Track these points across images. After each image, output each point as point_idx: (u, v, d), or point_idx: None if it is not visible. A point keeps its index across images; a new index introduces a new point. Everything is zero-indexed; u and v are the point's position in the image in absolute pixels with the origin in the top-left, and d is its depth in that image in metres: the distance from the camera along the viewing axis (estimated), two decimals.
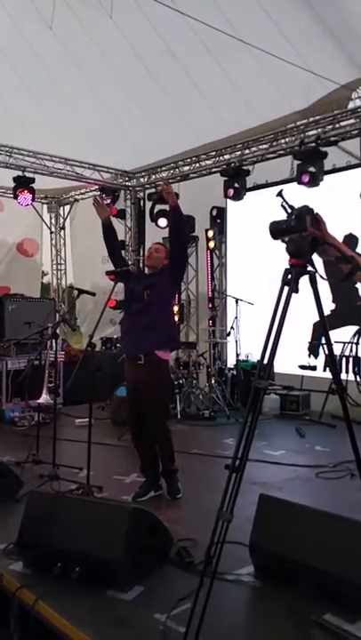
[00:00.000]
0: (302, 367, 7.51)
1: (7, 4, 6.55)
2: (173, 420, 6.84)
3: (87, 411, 4.08)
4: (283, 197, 2.43)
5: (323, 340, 2.36)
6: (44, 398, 4.96)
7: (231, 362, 8.48)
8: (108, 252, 4.43)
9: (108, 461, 5.14)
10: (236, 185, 7.76)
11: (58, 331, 5.05)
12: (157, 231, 9.04)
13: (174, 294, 4.73)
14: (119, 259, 4.46)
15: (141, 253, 9.98)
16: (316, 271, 2.41)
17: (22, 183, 8.31)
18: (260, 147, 7.73)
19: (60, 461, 4.55)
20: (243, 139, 7.83)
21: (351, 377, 3.33)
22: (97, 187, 9.93)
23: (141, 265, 9.74)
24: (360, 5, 5.82)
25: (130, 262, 9.74)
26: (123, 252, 9.92)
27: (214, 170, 8.35)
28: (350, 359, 4.56)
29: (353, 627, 2.41)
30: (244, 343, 7.75)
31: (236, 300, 7.75)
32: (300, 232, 2.35)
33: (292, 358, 7.33)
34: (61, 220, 11.72)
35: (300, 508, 2.94)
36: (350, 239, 6.70)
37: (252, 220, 7.90)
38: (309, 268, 2.40)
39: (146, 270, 4.40)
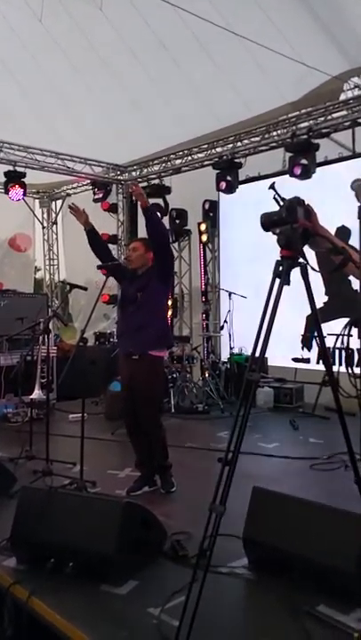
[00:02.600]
0: (296, 360, 7.52)
1: None
2: (167, 413, 6.84)
3: (80, 406, 4.07)
4: (275, 190, 2.42)
5: (315, 333, 2.36)
6: (37, 394, 4.95)
7: (225, 355, 8.48)
8: (97, 257, 4.34)
9: (102, 456, 5.13)
10: (229, 178, 7.74)
11: (50, 326, 5.02)
12: None
13: (167, 292, 4.60)
14: (109, 259, 4.38)
15: None
16: (308, 263, 2.40)
17: (13, 178, 8.26)
18: (253, 139, 7.71)
19: (53, 457, 4.54)
20: (235, 131, 7.80)
21: (343, 369, 3.34)
22: (89, 181, 9.88)
23: None
24: None
25: (122, 257, 9.74)
26: (115, 245, 9.91)
27: (206, 163, 8.32)
28: (342, 351, 4.56)
29: (347, 617, 2.42)
30: (238, 336, 7.75)
31: (230, 294, 7.74)
32: (291, 224, 2.34)
33: (285, 351, 7.34)
34: (53, 215, 11.66)
35: (294, 500, 2.95)
36: (343, 231, 6.68)
37: (244, 213, 7.89)
38: (301, 260, 2.39)
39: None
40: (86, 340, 3.95)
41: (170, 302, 8.76)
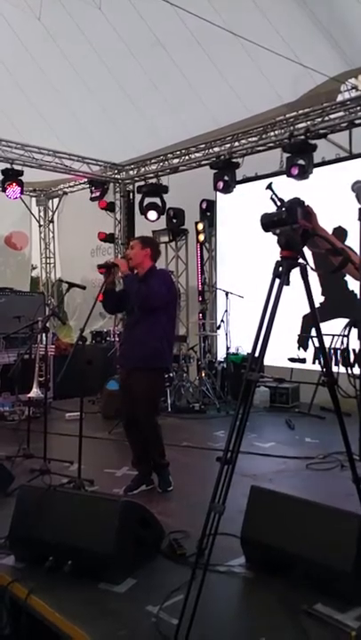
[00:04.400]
0: (292, 360, 7.53)
1: None
2: (164, 413, 6.83)
3: (77, 404, 4.07)
4: (272, 190, 2.43)
5: (312, 333, 2.38)
6: (35, 392, 4.94)
7: (221, 355, 8.49)
8: (106, 307, 4.37)
9: (99, 455, 5.14)
10: (226, 178, 7.75)
11: (48, 324, 5.02)
12: (147, 224, 9.02)
13: (168, 309, 4.23)
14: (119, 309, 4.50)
15: None
16: (308, 263, 2.41)
17: (10, 176, 8.24)
18: (250, 139, 7.72)
19: (50, 455, 4.54)
20: (232, 131, 7.81)
21: (341, 369, 3.36)
22: (86, 179, 9.88)
23: None
24: None
25: (119, 256, 9.74)
26: (112, 244, 9.91)
27: (204, 162, 8.33)
28: (341, 351, 4.58)
29: (343, 616, 2.43)
30: (234, 336, 7.76)
31: (226, 294, 7.75)
32: (291, 224, 2.35)
33: (281, 351, 7.35)
34: (50, 214, 11.65)
35: (291, 499, 2.96)
36: (339, 232, 6.71)
37: (241, 213, 7.90)
38: (300, 261, 2.41)
39: (135, 271, 4.18)
40: (85, 339, 3.95)
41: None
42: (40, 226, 11.71)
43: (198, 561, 2.27)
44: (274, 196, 2.43)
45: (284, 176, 6.85)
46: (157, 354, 4.09)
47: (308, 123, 7.00)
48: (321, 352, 2.59)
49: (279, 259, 2.41)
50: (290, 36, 6.15)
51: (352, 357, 6.34)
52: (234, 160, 7.85)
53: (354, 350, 6.16)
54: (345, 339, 2.76)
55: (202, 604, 2.20)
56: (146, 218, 8.94)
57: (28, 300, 7.56)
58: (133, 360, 4.08)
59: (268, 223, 2.42)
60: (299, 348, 7.57)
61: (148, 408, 4.14)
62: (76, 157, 9.11)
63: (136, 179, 9.69)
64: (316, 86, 6.71)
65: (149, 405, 4.18)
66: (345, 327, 2.80)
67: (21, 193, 8.47)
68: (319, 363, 2.61)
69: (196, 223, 9.13)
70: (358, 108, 6.61)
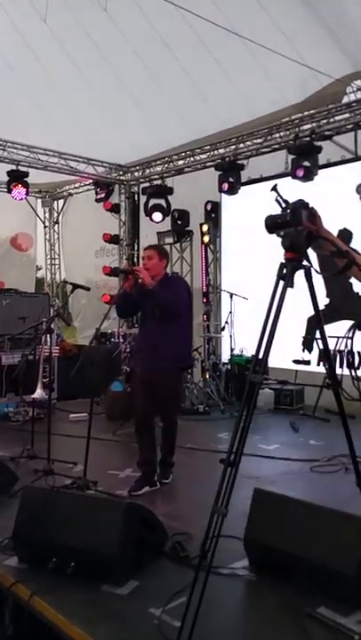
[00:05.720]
0: (296, 362, 7.51)
1: None
2: None
3: (81, 405, 4.09)
4: (277, 192, 2.42)
5: (317, 335, 2.38)
6: (39, 393, 4.95)
7: (225, 356, 8.48)
8: (119, 312, 4.52)
9: (103, 456, 5.13)
10: (231, 179, 7.75)
11: (52, 325, 5.03)
12: (152, 225, 9.02)
13: (187, 306, 4.44)
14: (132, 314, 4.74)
15: (136, 248, 9.97)
16: (312, 265, 2.41)
17: (16, 177, 8.26)
18: (255, 141, 7.71)
19: (54, 456, 4.54)
20: (237, 133, 7.81)
21: (346, 371, 3.34)
22: (91, 181, 9.89)
23: (136, 260, 9.71)
24: None
25: (124, 259, 9.77)
26: (117, 245, 9.93)
27: (209, 164, 8.32)
28: (345, 353, 4.57)
29: (347, 620, 2.42)
30: (239, 338, 7.75)
31: (231, 295, 7.75)
32: (296, 226, 2.34)
33: (286, 353, 7.34)
34: (55, 215, 11.68)
35: (295, 501, 2.95)
36: (344, 234, 6.70)
37: (246, 215, 7.89)
38: (305, 263, 2.40)
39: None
40: (100, 339, 3.99)
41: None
42: (45, 227, 11.74)
43: (201, 563, 2.26)
44: (279, 198, 2.42)
45: (290, 178, 6.84)
46: (182, 355, 4.31)
47: (314, 124, 6.99)
48: (325, 355, 2.58)
49: (283, 260, 2.40)
50: (296, 37, 6.12)
51: (357, 360, 6.34)
52: (239, 162, 7.84)
53: (358, 352, 6.16)
54: (349, 341, 2.75)
55: (204, 607, 2.19)
56: (151, 219, 8.95)
57: (32, 301, 7.58)
58: (159, 363, 4.15)
59: (272, 225, 2.42)
60: (303, 351, 7.55)
61: (175, 408, 4.44)
62: (81, 159, 9.12)
63: (141, 180, 9.70)
64: (322, 88, 6.68)
65: (177, 405, 4.50)
66: (349, 329, 2.79)
67: (27, 194, 8.49)
68: (324, 365, 2.61)
69: (201, 225, 9.14)
70: None
